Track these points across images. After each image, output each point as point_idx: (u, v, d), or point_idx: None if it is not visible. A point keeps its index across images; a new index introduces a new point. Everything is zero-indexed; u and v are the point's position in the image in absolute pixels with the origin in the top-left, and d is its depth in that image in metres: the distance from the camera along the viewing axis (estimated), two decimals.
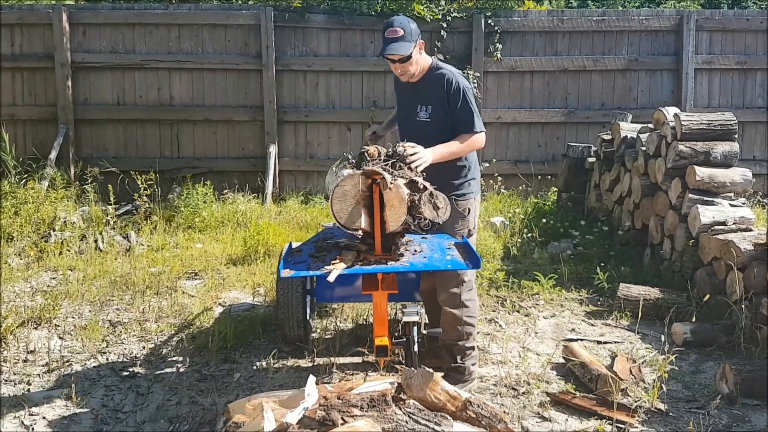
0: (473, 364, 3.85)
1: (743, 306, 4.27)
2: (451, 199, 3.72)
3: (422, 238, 3.57)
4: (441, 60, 4.11)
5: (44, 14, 8.42)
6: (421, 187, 3.17)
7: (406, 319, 3.45)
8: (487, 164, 8.37)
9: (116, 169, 7.90)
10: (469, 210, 3.84)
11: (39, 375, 3.93)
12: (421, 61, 3.75)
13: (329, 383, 3.18)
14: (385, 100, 8.63)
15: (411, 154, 3.31)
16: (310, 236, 3.75)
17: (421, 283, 4.09)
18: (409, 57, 3.65)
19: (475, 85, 8.19)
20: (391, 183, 3.04)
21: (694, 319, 4.43)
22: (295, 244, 3.65)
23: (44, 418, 3.45)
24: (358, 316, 4.83)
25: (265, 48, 8.45)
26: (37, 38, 8.50)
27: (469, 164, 3.85)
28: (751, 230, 4.88)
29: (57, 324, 4.67)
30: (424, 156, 3.39)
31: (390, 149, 3.32)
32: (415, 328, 3.46)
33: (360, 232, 3.18)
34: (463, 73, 4.27)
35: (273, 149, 8.53)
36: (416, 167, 3.30)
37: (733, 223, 4.93)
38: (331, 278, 2.98)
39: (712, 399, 3.62)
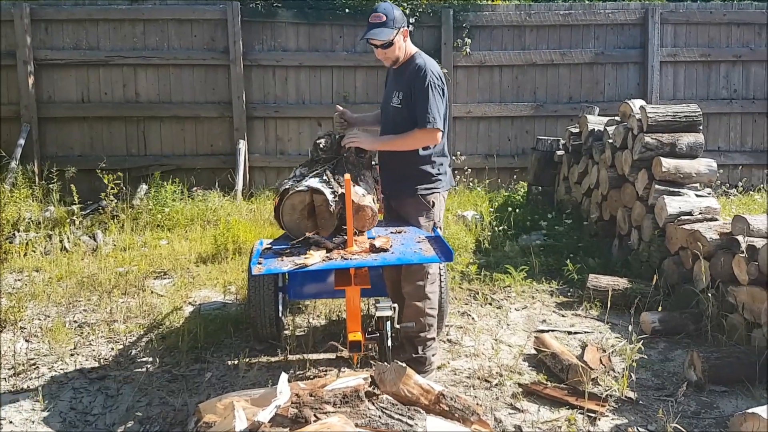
0: (433, 355, 3.87)
1: (710, 294, 4.34)
2: (415, 192, 3.76)
3: (393, 232, 3.57)
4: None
5: (5, 11, 8.22)
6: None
7: (379, 314, 3.44)
8: (456, 159, 8.41)
9: (82, 168, 7.76)
10: (433, 203, 3.87)
11: (5, 379, 3.85)
12: (405, 48, 3.80)
13: (302, 380, 3.17)
14: (355, 95, 8.61)
15: (348, 137, 3.75)
16: (281, 233, 3.72)
17: (384, 273, 4.10)
18: (391, 43, 3.70)
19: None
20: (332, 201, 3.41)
21: (661, 308, 4.49)
22: (266, 242, 3.62)
23: (11, 422, 3.38)
24: (331, 313, 4.81)
25: (233, 43, 8.37)
26: None
27: (435, 158, 3.85)
28: (716, 220, 4.97)
29: (23, 326, 4.58)
30: (359, 138, 3.77)
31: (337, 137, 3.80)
32: (389, 322, 3.45)
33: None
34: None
35: (243, 145, 8.45)
36: (348, 146, 3.74)
37: (699, 213, 5.01)
38: (313, 267, 3.08)
39: (681, 386, 3.68)
